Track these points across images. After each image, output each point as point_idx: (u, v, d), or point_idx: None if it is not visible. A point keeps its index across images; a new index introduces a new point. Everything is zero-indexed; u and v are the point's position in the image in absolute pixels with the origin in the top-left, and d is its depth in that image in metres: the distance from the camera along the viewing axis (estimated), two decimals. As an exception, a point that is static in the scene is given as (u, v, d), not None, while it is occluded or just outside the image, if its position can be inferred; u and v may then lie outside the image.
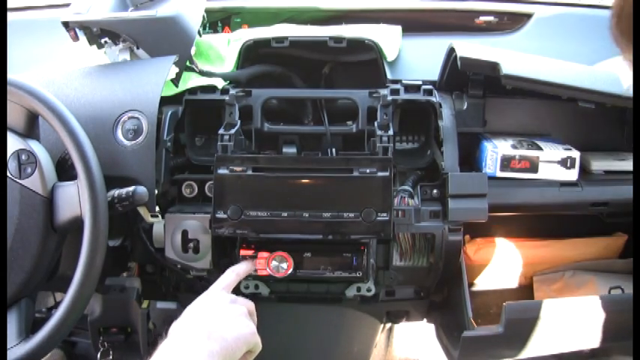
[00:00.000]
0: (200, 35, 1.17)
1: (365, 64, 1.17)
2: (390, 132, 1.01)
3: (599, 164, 1.09)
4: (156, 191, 0.94)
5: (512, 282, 1.33)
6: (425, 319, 1.25)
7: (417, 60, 1.19)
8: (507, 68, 0.95)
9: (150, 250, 1.06)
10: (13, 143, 0.83)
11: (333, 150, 1.10)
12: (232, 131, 1.02)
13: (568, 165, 1.04)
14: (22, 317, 0.81)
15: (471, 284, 1.04)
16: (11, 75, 0.82)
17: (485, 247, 1.25)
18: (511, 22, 1.35)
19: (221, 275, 0.92)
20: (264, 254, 1.00)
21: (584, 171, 1.08)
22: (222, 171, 0.97)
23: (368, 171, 0.96)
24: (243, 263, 0.97)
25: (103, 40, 1.07)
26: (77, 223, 0.81)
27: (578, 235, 1.25)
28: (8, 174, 0.82)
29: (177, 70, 1.04)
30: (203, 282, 1.14)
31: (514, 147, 1.05)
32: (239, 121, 1.05)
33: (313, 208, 0.96)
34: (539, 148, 1.05)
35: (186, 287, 1.17)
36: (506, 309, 0.95)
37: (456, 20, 1.39)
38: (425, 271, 1.07)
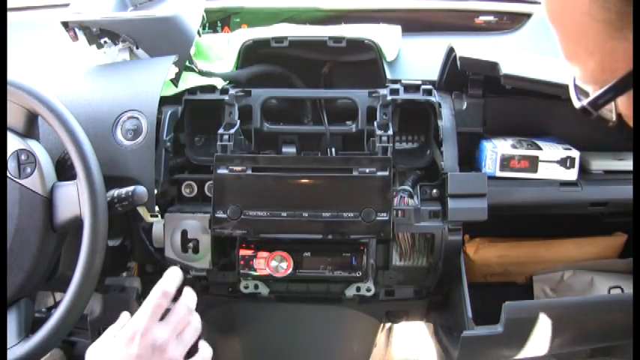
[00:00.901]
0: (199, 35, 1.17)
1: (364, 64, 1.17)
2: (390, 132, 1.01)
3: (599, 164, 1.09)
4: (155, 191, 0.95)
5: (511, 282, 1.33)
6: (424, 319, 1.25)
7: (417, 60, 1.19)
8: (507, 68, 0.95)
9: (149, 250, 1.06)
10: (13, 143, 0.83)
11: (333, 150, 1.10)
12: (232, 131, 1.02)
13: (568, 165, 1.03)
14: (22, 317, 0.81)
15: (470, 284, 1.04)
16: (11, 75, 0.82)
17: (484, 247, 1.25)
18: (510, 22, 1.35)
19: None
20: (264, 254, 1.00)
21: (584, 171, 1.08)
22: (222, 171, 0.97)
23: (367, 171, 0.96)
24: (167, 275, 0.76)
25: (102, 40, 1.07)
26: (77, 223, 0.81)
27: (577, 235, 1.25)
28: (8, 174, 0.82)
29: (176, 70, 1.04)
30: (202, 282, 1.14)
31: (514, 147, 1.05)
32: (238, 121, 1.05)
33: (313, 207, 0.96)
34: (539, 148, 1.05)
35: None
36: (506, 309, 0.94)
37: (456, 20, 1.38)
38: (424, 271, 1.08)
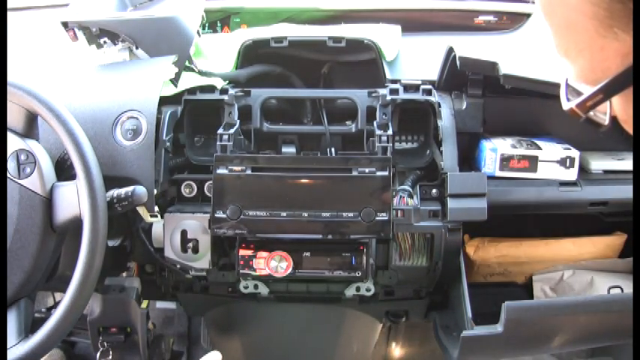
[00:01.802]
0: (199, 35, 1.17)
1: (364, 64, 1.17)
2: (390, 132, 1.01)
3: (599, 164, 1.09)
4: (155, 191, 0.94)
5: (511, 282, 1.33)
6: (424, 319, 1.25)
7: (416, 60, 1.19)
8: (506, 68, 0.95)
9: (149, 250, 1.06)
10: (13, 143, 0.83)
11: (333, 150, 1.10)
12: (231, 131, 1.02)
13: (567, 164, 1.03)
14: (22, 317, 0.81)
15: (470, 284, 1.04)
16: (11, 75, 0.82)
17: (484, 247, 1.25)
18: (510, 22, 1.36)
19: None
20: (264, 254, 1.00)
21: (584, 170, 1.08)
22: (222, 171, 0.97)
23: (367, 171, 0.96)
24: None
25: (102, 40, 1.07)
26: (76, 223, 0.81)
27: (577, 235, 1.25)
28: (8, 174, 0.82)
29: (176, 70, 1.04)
30: (202, 282, 1.14)
31: (513, 146, 1.05)
32: (238, 121, 1.05)
33: (312, 207, 0.96)
34: (539, 148, 1.05)
35: (186, 287, 1.17)
36: (506, 309, 0.94)
37: (455, 20, 1.39)
38: (424, 271, 1.07)
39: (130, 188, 0.86)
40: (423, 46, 1.25)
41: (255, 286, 1.10)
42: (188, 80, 1.08)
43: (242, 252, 1.00)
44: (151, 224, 1.04)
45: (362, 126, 1.07)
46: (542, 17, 0.44)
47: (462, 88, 1.10)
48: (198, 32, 1.14)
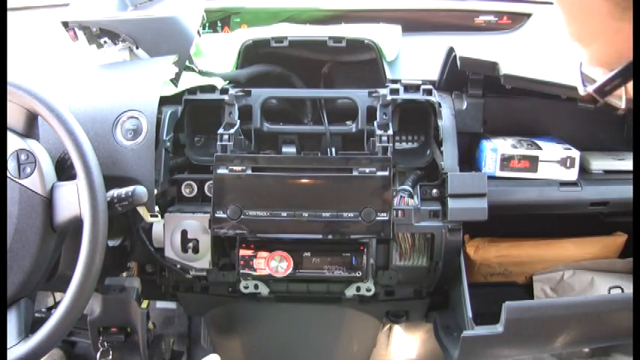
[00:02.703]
0: (199, 35, 1.17)
1: (364, 64, 1.17)
2: (390, 132, 1.01)
3: (599, 164, 1.09)
4: (155, 191, 0.94)
5: (511, 282, 1.33)
6: (424, 319, 1.25)
7: (417, 60, 1.19)
8: (507, 68, 0.95)
9: (149, 250, 1.06)
10: (13, 143, 0.83)
11: (333, 150, 1.10)
12: (232, 131, 1.02)
13: (568, 164, 1.04)
14: (22, 317, 0.81)
15: (470, 284, 1.04)
16: (11, 75, 0.82)
17: (484, 247, 1.25)
18: (510, 22, 1.36)
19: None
20: (264, 254, 1.00)
21: (584, 170, 1.08)
22: (222, 171, 0.97)
23: (367, 171, 0.96)
24: None
25: (102, 40, 1.07)
26: (76, 223, 0.81)
27: (577, 235, 1.25)
28: (8, 174, 0.82)
29: (176, 69, 1.04)
30: (202, 282, 1.14)
31: (514, 146, 1.05)
32: (238, 121, 1.05)
33: (313, 207, 0.96)
34: (539, 148, 1.05)
35: (186, 287, 1.17)
36: (506, 309, 0.94)
37: (456, 20, 1.39)
38: (424, 271, 1.07)
39: (130, 188, 0.86)
40: (423, 46, 1.25)
41: (256, 286, 1.10)
42: (188, 80, 1.08)
43: (242, 252, 1.00)
44: (151, 224, 1.04)
45: (362, 126, 1.07)
46: (555, 3, 0.43)
47: (462, 88, 1.10)
48: (198, 32, 1.14)
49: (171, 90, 1.06)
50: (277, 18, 1.37)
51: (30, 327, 0.82)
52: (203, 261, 1.03)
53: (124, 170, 0.92)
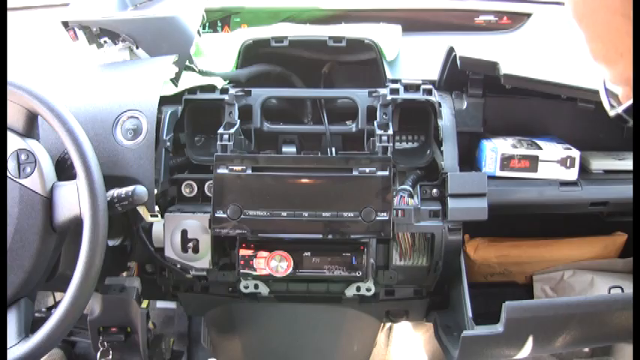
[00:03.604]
0: (199, 35, 1.17)
1: (364, 64, 1.17)
2: (390, 131, 1.01)
3: (599, 163, 1.09)
4: (155, 191, 0.94)
5: (512, 282, 1.33)
6: (424, 319, 1.25)
7: (417, 59, 1.19)
8: (507, 68, 0.95)
9: (149, 250, 1.06)
10: (13, 143, 0.83)
11: (333, 149, 1.10)
12: (232, 131, 1.02)
13: (568, 164, 1.03)
14: (22, 317, 0.81)
15: (470, 284, 1.04)
16: (11, 75, 0.82)
17: (484, 247, 1.25)
18: (510, 22, 1.36)
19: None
20: (264, 254, 1.00)
21: (584, 170, 1.08)
22: (222, 170, 0.97)
23: (367, 170, 0.96)
24: None
25: (102, 40, 1.07)
26: (76, 223, 0.81)
27: (577, 235, 1.25)
28: (8, 174, 0.82)
29: (176, 69, 1.04)
30: (202, 281, 1.14)
31: (514, 146, 1.05)
32: (238, 121, 1.05)
33: (313, 207, 0.96)
34: (539, 148, 1.05)
35: (186, 287, 1.17)
36: (506, 309, 0.94)
37: (456, 19, 1.39)
38: (424, 271, 1.08)
39: (130, 188, 0.86)
40: (423, 45, 1.25)
41: (256, 286, 1.10)
42: (188, 80, 1.08)
43: (242, 252, 1.00)
44: (151, 224, 1.04)
45: (362, 126, 1.07)
46: (578, 23, 0.43)
47: (462, 88, 1.10)
48: (198, 32, 1.14)
49: (171, 90, 1.06)
50: (277, 18, 1.37)
51: (30, 327, 0.82)
52: (203, 261, 1.03)
53: (124, 170, 0.92)
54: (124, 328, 1.11)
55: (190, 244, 1.02)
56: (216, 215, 0.96)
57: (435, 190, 1.03)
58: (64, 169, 0.89)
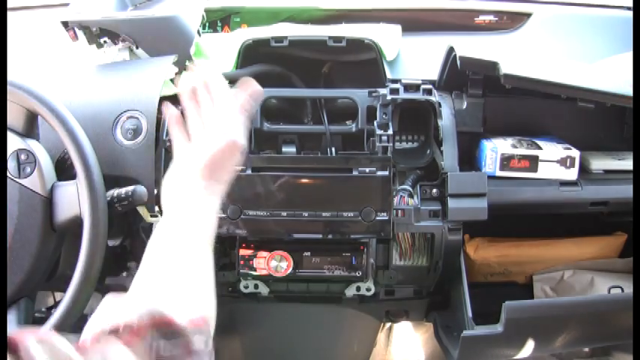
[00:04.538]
0: (199, 35, 1.17)
1: (364, 64, 1.17)
2: (390, 131, 1.01)
3: (599, 163, 1.09)
4: (155, 191, 0.94)
5: (511, 281, 1.33)
6: (424, 319, 1.25)
7: (417, 59, 1.19)
8: (507, 68, 0.95)
9: (149, 250, 1.05)
10: (13, 143, 0.83)
11: (333, 149, 1.10)
12: (232, 131, 1.01)
13: (568, 164, 1.03)
14: (22, 317, 0.81)
15: (470, 284, 1.04)
16: (11, 75, 0.82)
17: (484, 247, 1.25)
18: (510, 22, 1.36)
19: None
20: (264, 254, 1.00)
21: (584, 170, 1.07)
22: (222, 170, 0.97)
23: (367, 170, 0.96)
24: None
25: (102, 40, 1.07)
26: (76, 223, 0.81)
27: (577, 235, 1.25)
28: (8, 173, 0.82)
29: (176, 69, 1.04)
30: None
31: (514, 146, 1.05)
32: (238, 121, 1.05)
33: (313, 207, 0.96)
34: (539, 148, 1.05)
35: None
36: (506, 309, 0.94)
37: (456, 19, 1.39)
38: (424, 271, 1.08)
39: (130, 188, 0.86)
40: (423, 45, 1.25)
41: (256, 286, 1.10)
42: (188, 80, 1.08)
43: (242, 252, 1.00)
44: (151, 224, 1.04)
45: (362, 126, 1.07)
46: None
47: (462, 88, 1.10)
48: (198, 32, 1.14)
49: (171, 90, 1.05)
50: (277, 18, 1.37)
51: (30, 327, 0.82)
52: (203, 261, 1.03)
53: (124, 170, 0.92)
54: (124, 328, 1.10)
55: (190, 244, 1.02)
56: (216, 215, 0.96)
57: (435, 190, 1.03)
58: (64, 169, 0.89)
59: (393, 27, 1.22)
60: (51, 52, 1.25)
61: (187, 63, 1.08)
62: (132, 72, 1.02)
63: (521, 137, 1.09)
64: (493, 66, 0.97)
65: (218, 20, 1.39)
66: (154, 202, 0.94)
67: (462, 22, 1.37)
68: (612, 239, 1.25)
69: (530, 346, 0.99)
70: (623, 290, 1.19)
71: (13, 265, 0.81)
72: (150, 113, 0.94)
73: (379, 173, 0.96)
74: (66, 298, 0.78)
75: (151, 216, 0.98)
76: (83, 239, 0.78)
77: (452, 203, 0.99)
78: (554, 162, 1.04)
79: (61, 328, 0.78)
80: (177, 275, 0.61)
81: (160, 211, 1.00)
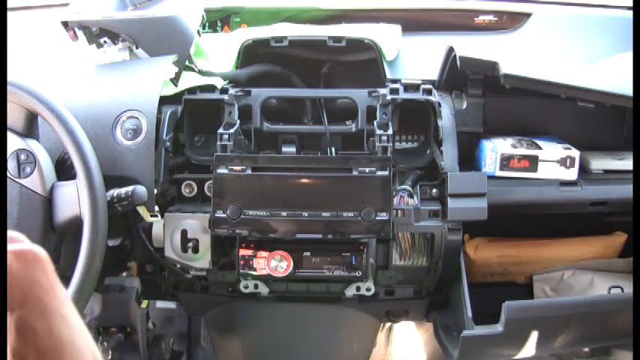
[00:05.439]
0: (199, 35, 1.17)
1: (364, 64, 1.17)
2: (390, 131, 1.01)
3: (599, 163, 1.09)
4: (155, 191, 0.94)
5: (511, 282, 1.33)
6: (424, 319, 1.24)
7: (417, 59, 1.19)
8: (507, 68, 0.95)
9: (149, 250, 1.06)
10: (13, 143, 0.83)
11: (333, 149, 1.10)
12: (231, 131, 1.02)
13: (567, 164, 1.03)
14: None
15: (470, 284, 1.04)
16: (11, 75, 0.82)
17: (484, 247, 1.25)
18: (510, 22, 1.35)
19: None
20: (264, 254, 1.00)
21: (584, 170, 1.07)
22: (222, 170, 0.97)
23: (367, 170, 0.96)
24: None
25: (102, 40, 1.07)
26: (76, 223, 0.81)
27: (577, 235, 1.25)
28: (8, 174, 0.82)
29: (176, 69, 1.04)
30: (202, 281, 1.14)
31: (513, 146, 1.04)
32: (238, 121, 1.05)
33: (312, 207, 0.96)
34: (539, 148, 1.05)
35: (186, 287, 1.17)
36: (506, 309, 0.94)
37: (456, 19, 1.39)
38: (424, 271, 1.08)
39: (130, 188, 0.86)
40: (423, 45, 1.25)
41: (255, 286, 1.10)
42: (188, 80, 1.08)
43: (242, 252, 1.00)
44: (151, 224, 1.04)
45: (362, 126, 1.07)
46: None
47: (462, 88, 1.10)
48: (198, 32, 1.14)
49: (171, 90, 1.06)
50: (277, 18, 1.37)
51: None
52: (203, 261, 1.03)
53: (123, 170, 0.92)
54: (123, 328, 1.11)
55: (190, 244, 1.02)
56: (216, 215, 0.96)
57: (434, 190, 1.03)
58: (64, 169, 0.89)
59: (392, 27, 1.22)
60: (51, 52, 1.25)
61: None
62: (132, 72, 1.02)
63: (521, 137, 1.09)
64: (493, 66, 0.97)
65: (218, 20, 1.39)
66: (153, 202, 0.94)
67: (462, 22, 1.37)
68: (612, 239, 1.25)
69: (530, 346, 0.99)
70: (623, 290, 1.18)
71: (13, 265, 0.80)
72: (150, 113, 0.94)
73: (379, 173, 0.96)
74: (66, 298, 0.78)
75: (151, 216, 0.98)
76: (83, 239, 0.78)
77: (452, 203, 0.99)
78: (554, 162, 1.04)
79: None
80: None
81: (160, 211, 1.00)
